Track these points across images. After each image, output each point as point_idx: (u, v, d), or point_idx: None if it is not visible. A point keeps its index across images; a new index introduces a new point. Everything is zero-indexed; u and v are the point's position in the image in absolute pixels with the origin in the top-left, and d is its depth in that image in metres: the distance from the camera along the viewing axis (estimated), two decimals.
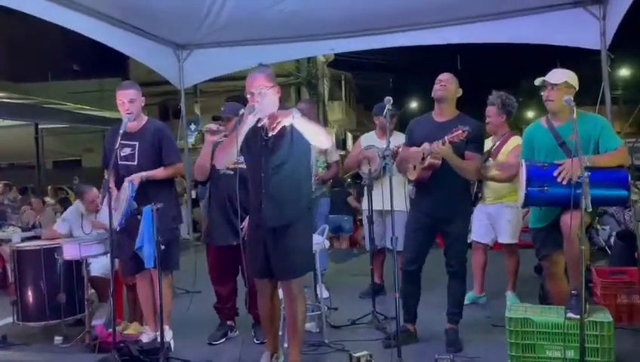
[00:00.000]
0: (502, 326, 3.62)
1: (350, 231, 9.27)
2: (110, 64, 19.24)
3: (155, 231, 3.67)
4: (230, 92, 17.34)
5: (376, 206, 4.80)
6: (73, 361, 4.19)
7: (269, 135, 3.29)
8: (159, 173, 4.07)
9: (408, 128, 4.22)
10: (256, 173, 3.38)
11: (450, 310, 4.03)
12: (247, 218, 3.69)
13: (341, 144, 27.39)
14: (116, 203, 3.89)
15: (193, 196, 10.50)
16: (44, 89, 19.80)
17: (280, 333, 3.79)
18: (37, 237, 6.39)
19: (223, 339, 4.32)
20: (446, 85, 3.95)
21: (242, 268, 4.14)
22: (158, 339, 3.79)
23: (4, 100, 10.29)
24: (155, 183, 4.04)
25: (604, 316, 3.35)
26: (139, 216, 3.85)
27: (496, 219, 4.88)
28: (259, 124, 3.33)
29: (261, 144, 3.36)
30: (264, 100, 3.26)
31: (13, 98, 11.02)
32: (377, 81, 29.27)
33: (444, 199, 3.90)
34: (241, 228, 3.82)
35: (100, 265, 4.66)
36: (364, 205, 5.14)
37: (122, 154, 4.04)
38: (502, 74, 28.79)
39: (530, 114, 30.94)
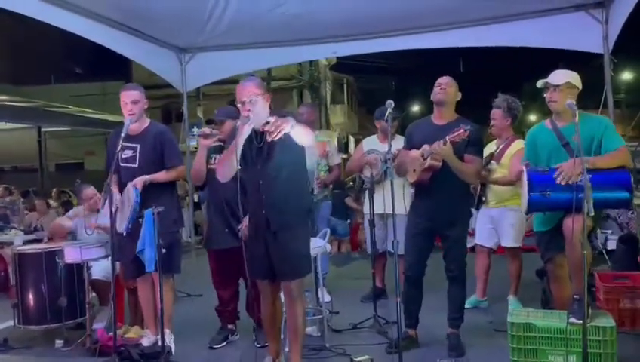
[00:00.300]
0: (504, 330, 3.60)
1: (346, 235, 9.22)
2: (113, 67, 19.25)
3: (157, 235, 3.68)
4: (233, 95, 17.29)
5: (378, 209, 4.80)
6: None
7: (264, 141, 3.29)
8: (161, 176, 4.07)
9: (407, 131, 4.21)
10: (254, 179, 3.39)
11: (451, 315, 4.01)
12: (245, 218, 3.67)
13: (343, 147, 27.34)
14: (121, 207, 3.89)
15: (195, 199, 10.47)
16: (46, 92, 19.87)
17: (282, 337, 3.78)
18: (39, 241, 6.39)
19: (224, 343, 4.31)
20: (446, 89, 3.94)
21: (244, 270, 4.13)
22: (159, 343, 3.79)
23: (6, 103, 10.34)
24: (157, 186, 4.03)
25: (607, 321, 3.33)
26: (140, 220, 3.85)
27: (500, 222, 4.87)
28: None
29: (256, 151, 3.38)
30: (255, 108, 3.29)
31: (16, 101, 11.07)
32: (379, 85, 29.33)
33: (444, 202, 3.88)
34: (239, 229, 3.81)
35: (100, 268, 4.65)
36: (366, 209, 5.13)
37: (124, 156, 4.04)
38: (504, 77, 28.81)
39: (532, 117, 30.85)
